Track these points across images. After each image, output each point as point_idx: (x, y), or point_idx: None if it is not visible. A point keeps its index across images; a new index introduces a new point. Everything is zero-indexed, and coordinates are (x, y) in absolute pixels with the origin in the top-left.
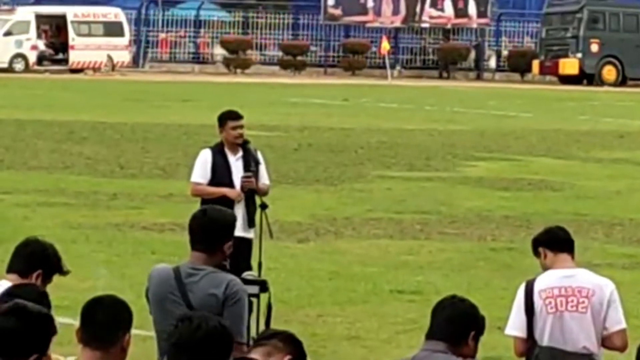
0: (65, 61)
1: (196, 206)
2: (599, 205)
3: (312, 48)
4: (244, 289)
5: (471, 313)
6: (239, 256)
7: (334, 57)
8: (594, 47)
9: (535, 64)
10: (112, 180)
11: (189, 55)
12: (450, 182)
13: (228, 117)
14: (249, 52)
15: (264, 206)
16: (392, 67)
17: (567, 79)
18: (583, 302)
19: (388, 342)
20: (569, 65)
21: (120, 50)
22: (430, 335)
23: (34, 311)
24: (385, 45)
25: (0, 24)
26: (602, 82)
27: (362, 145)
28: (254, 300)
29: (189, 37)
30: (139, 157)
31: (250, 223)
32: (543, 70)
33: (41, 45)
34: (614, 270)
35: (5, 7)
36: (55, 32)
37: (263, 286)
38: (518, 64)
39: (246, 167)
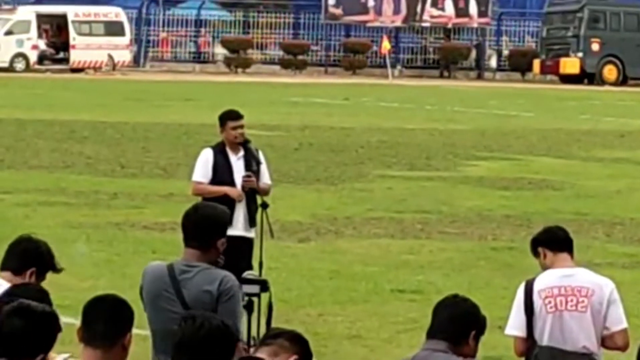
0: (66, 61)
1: None
2: (599, 204)
3: (313, 47)
4: (237, 285)
5: (472, 312)
6: (240, 256)
7: (334, 56)
8: (595, 47)
9: (536, 63)
10: (113, 180)
11: (189, 54)
12: (451, 181)
13: (228, 117)
14: (249, 51)
15: (264, 205)
16: (393, 66)
17: (568, 79)
18: (583, 301)
19: (389, 341)
20: (570, 65)
21: (121, 49)
22: (431, 334)
23: (38, 310)
24: (386, 45)
25: (1, 24)
26: (602, 82)
27: (362, 144)
28: (255, 299)
29: (190, 36)
30: (139, 156)
31: (251, 222)
32: (544, 70)
33: (42, 44)
34: (614, 270)
35: (6, 7)
36: (56, 31)
37: (264, 286)
38: (519, 64)
39: (247, 167)
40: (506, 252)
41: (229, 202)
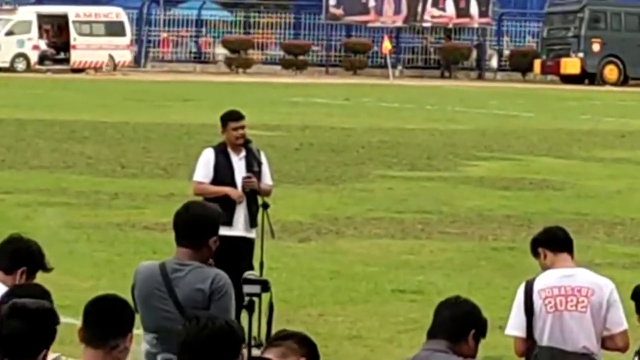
0: (66, 61)
1: None
2: (600, 204)
3: (314, 48)
4: (229, 283)
5: (473, 313)
6: (241, 256)
7: (335, 56)
8: (596, 47)
9: (537, 63)
10: (114, 180)
11: (190, 54)
12: (452, 181)
13: (229, 118)
14: (250, 51)
15: (265, 206)
16: (394, 66)
17: (568, 79)
18: (582, 301)
19: (389, 341)
20: (571, 65)
21: (122, 49)
22: (431, 334)
23: (34, 308)
24: (387, 45)
25: (2, 24)
26: (603, 82)
27: (363, 144)
28: (256, 300)
29: (191, 36)
30: (140, 156)
31: (252, 223)
32: (544, 70)
33: (43, 45)
34: (615, 270)
35: (7, 7)
36: (56, 31)
37: (265, 286)
38: (519, 64)
39: (249, 168)
40: (507, 252)
41: (230, 203)
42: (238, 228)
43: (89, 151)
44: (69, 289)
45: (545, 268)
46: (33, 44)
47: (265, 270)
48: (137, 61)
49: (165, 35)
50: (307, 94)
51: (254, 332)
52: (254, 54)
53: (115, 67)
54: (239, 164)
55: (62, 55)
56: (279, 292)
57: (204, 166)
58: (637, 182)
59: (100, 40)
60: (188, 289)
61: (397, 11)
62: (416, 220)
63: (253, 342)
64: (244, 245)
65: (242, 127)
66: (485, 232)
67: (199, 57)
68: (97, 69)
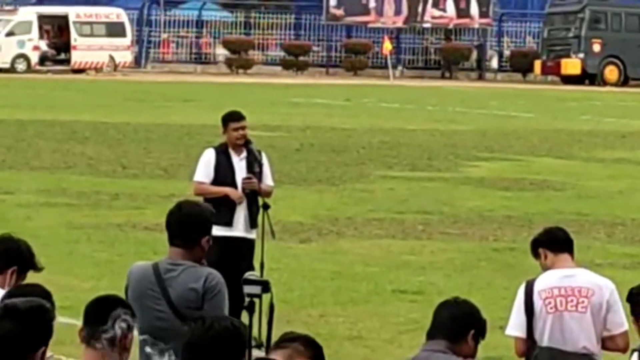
0: (67, 61)
1: None
2: (600, 205)
3: (314, 48)
4: (222, 282)
5: (472, 313)
6: (240, 256)
7: (336, 57)
8: (596, 47)
9: (537, 64)
10: (114, 181)
11: (191, 55)
12: (452, 182)
13: (230, 118)
14: (251, 52)
15: (266, 206)
16: (394, 67)
17: (569, 79)
18: (583, 302)
19: (390, 342)
20: (571, 65)
21: (122, 50)
22: (431, 334)
23: (25, 308)
24: (387, 46)
25: (3, 25)
26: (604, 82)
27: (364, 145)
28: (257, 300)
29: (191, 37)
30: (141, 157)
31: (252, 224)
32: (545, 71)
33: (43, 45)
34: (615, 270)
35: (8, 8)
36: (57, 32)
37: (265, 286)
38: (520, 64)
39: (249, 168)
40: (507, 252)
41: (230, 203)
42: (238, 229)
43: (89, 152)
44: (70, 290)
45: (545, 268)
46: (33, 45)
47: (265, 270)
48: (137, 62)
49: (165, 36)
50: (308, 94)
51: (255, 333)
52: (255, 55)
53: (115, 67)
54: (239, 164)
55: (62, 56)
56: (279, 292)
57: (205, 166)
58: (638, 182)
59: (100, 41)
60: (181, 289)
61: (397, 12)
62: (417, 220)
63: (253, 343)
64: (244, 246)
65: (243, 128)
66: (485, 232)
67: (200, 58)
68: (97, 69)
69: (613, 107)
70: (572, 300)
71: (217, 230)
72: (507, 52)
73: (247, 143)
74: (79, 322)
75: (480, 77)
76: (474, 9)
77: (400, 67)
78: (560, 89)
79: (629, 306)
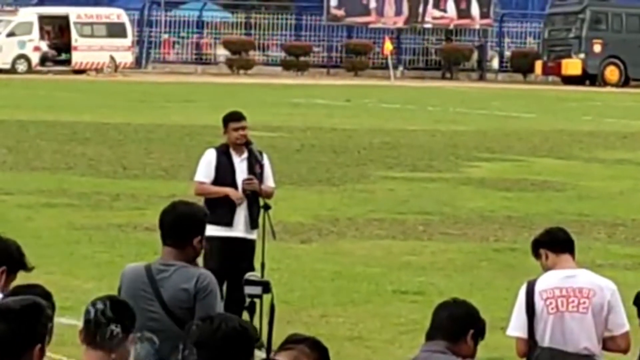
0: (68, 62)
1: None
2: (601, 205)
3: (315, 49)
4: (214, 281)
5: (472, 313)
6: (240, 257)
7: (336, 57)
8: (597, 48)
9: (538, 64)
10: (115, 181)
11: (191, 56)
12: (453, 182)
13: (230, 119)
14: (251, 52)
15: (266, 207)
16: (395, 67)
17: (569, 80)
18: (584, 302)
19: (391, 342)
20: (572, 66)
21: (123, 51)
22: (430, 335)
23: (18, 307)
24: (388, 46)
25: (3, 25)
26: (604, 83)
27: (364, 146)
28: (257, 301)
29: (192, 38)
30: (141, 158)
31: (253, 224)
32: (546, 71)
33: (44, 46)
34: (616, 271)
35: (8, 8)
36: (58, 33)
37: (266, 287)
38: (521, 65)
39: (250, 169)
40: (508, 253)
41: (231, 204)
42: (238, 229)
43: (90, 152)
44: (71, 290)
45: (546, 269)
46: (34, 45)
47: (266, 271)
48: (138, 62)
49: (166, 36)
50: (308, 95)
51: None
52: (255, 55)
53: (116, 68)
54: (240, 165)
55: (63, 57)
56: (280, 293)
57: (206, 167)
58: (639, 183)
59: (101, 42)
60: (173, 289)
61: (398, 12)
62: (417, 221)
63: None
64: (245, 247)
65: (243, 128)
66: (486, 233)
67: (200, 59)
68: (98, 70)
69: (614, 107)
70: (573, 301)
71: (218, 231)
72: (507, 53)
73: (247, 144)
74: (79, 323)
75: (481, 78)
76: (475, 10)
77: (400, 68)
78: (561, 89)
79: (635, 309)
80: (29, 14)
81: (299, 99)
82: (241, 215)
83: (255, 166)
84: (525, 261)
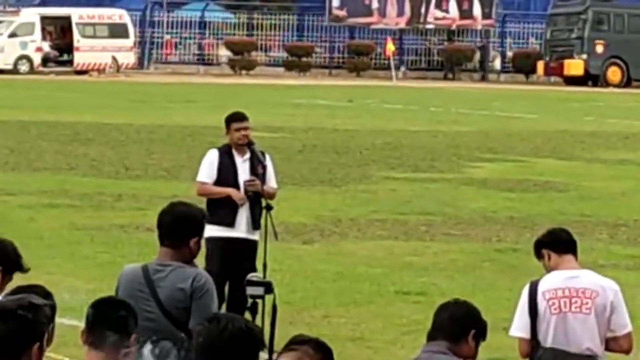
0: (70, 63)
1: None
2: (603, 206)
3: (317, 49)
4: (210, 281)
5: (473, 314)
6: (242, 257)
7: (338, 58)
8: (599, 48)
9: (540, 65)
10: (117, 182)
11: (193, 56)
12: (455, 183)
13: (232, 119)
14: (253, 53)
15: (268, 207)
16: (397, 68)
17: (572, 80)
18: (587, 303)
19: (393, 343)
20: (574, 66)
21: (125, 51)
22: (431, 336)
23: (14, 307)
24: (390, 47)
25: (5, 26)
26: (607, 83)
27: (366, 146)
28: (259, 301)
29: (194, 38)
30: (143, 158)
31: (255, 225)
32: (548, 72)
33: (46, 46)
34: (618, 271)
35: (10, 9)
36: (60, 33)
37: (268, 288)
38: (523, 65)
39: (252, 170)
40: (510, 253)
41: (233, 204)
42: (240, 229)
43: (92, 153)
44: (73, 291)
45: (549, 270)
46: (36, 46)
47: (268, 271)
48: (140, 63)
49: (168, 37)
50: (311, 95)
51: None
52: (257, 56)
53: (118, 68)
54: (242, 165)
55: (65, 57)
56: (282, 293)
57: (208, 167)
58: None
59: (103, 42)
60: (169, 289)
61: (400, 13)
62: (420, 221)
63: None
64: (247, 247)
65: (245, 128)
66: (488, 233)
67: (202, 59)
68: (100, 70)
69: (616, 108)
70: (576, 302)
71: (219, 231)
72: (509, 53)
73: (250, 144)
74: (81, 324)
75: (483, 78)
76: (477, 10)
77: (403, 68)
78: (563, 90)
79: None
80: (31, 15)
81: (301, 100)
82: (243, 215)
83: (257, 167)
84: (528, 262)
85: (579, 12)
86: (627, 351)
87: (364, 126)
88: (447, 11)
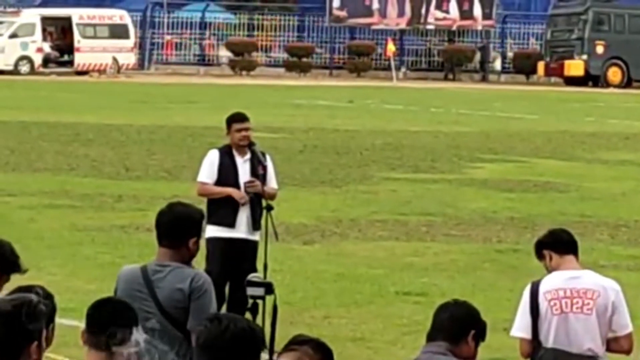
0: (70, 63)
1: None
2: (604, 206)
3: (318, 50)
4: (209, 282)
5: (473, 314)
6: (242, 258)
7: (339, 59)
8: (599, 49)
9: (541, 65)
10: (118, 182)
11: (194, 57)
12: (456, 183)
13: (233, 120)
14: (254, 54)
15: (269, 208)
16: (398, 68)
17: (572, 81)
18: (588, 303)
19: (393, 343)
20: (574, 67)
21: (126, 52)
22: (431, 336)
23: (9, 308)
24: (391, 47)
25: (6, 27)
26: (607, 84)
27: (367, 147)
28: (260, 302)
29: (194, 39)
30: (144, 159)
31: (255, 225)
32: (548, 72)
33: (46, 47)
34: (619, 272)
35: (11, 10)
36: (60, 34)
37: (269, 288)
38: (523, 66)
39: (253, 170)
40: (511, 254)
41: (233, 204)
42: (241, 230)
43: (93, 153)
44: (73, 291)
45: (550, 270)
46: (37, 47)
47: (269, 272)
48: (140, 64)
49: (169, 37)
50: (311, 96)
51: None
52: (258, 57)
53: (119, 69)
54: (243, 166)
55: (66, 58)
56: (282, 294)
57: (209, 167)
58: None
59: (104, 43)
60: (168, 290)
61: (400, 13)
62: (420, 222)
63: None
64: (247, 247)
65: (246, 129)
66: (489, 234)
67: (203, 60)
68: (101, 71)
69: (616, 108)
70: (577, 302)
71: (220, 232)
72: (510, 54)
73: (250, 145)
74: (82, 324)
75: (484, 79)
76: (477, 11)
77: (403, 69)
78: (563, 90)
79: None
80: (32, 15)
81: (301, 100)
82: (243, 216)
83: (258, 167)
84: (528, 262)
85: (579, 13)
86: (628, 351)
87: (365, 127)
88: (447, 12)
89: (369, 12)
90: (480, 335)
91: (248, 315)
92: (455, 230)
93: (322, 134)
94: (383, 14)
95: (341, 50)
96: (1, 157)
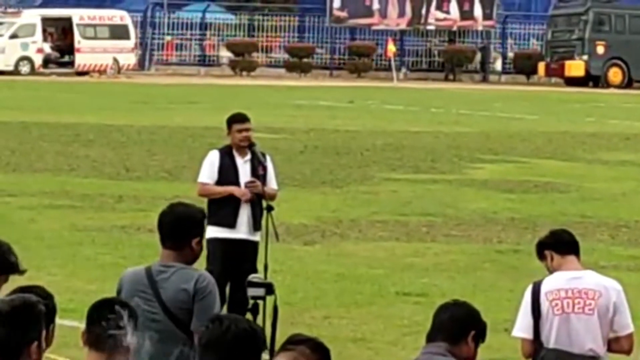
0: (71, 64)
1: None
2: (604, 207)
3: (318, 50)
4: (213, 283)
5: (473, 315)
6: (243, 258)
7: (339, 59)
8: (600, 49)
9: (541, 66)
10: (118, 183)
11: (194, 57)
12: (456, 184)
13: (234, 120)
14: (254, 54)
15: (269, 208)
16: (398, 69)
17: (572, 81)
18: (590, 304)
19: (394, 344)
20: (575, 67)
21: (126, 53)
22: (430, 337)
23: (8, 309)
24: (391, 48)
25: (6, 27)
26: (607, 84)
27: (367, 147)
28: (260, 302)
29: (195, 39)
30: (144, 159)
31: (255, 226)
32: (549, 72)
33: (47, 48)
34: (619, 272)
35: (11, 10)
36: (61, 34)
37: (269, 289)
38: (524, 66)
39: (253, 171)
40: (511, 254)
41: (234, 205)
42: (241, 230)
43: (93, 154)
44: (74, 292)
45: (551, 271)
46: (37, 47)
47: (269, 272)
48: (141, 64)
49: (169, 38)
50: (312, 96)
51: None
52: (258, 57)
53: (119, 70)
54: (243, 166)
55: (66, 58)
56: (283, 294)
57: (209, 167)
58: None
59: (104, 44)
60: (172, 290)
61: (401, 14)
62: (420, 222)
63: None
64: (248, 248)
65: (247, 130)
66: (489, 234)
67: (203, 60)
68: (101, 72)
69: (617, 109)
70: (579, 302)
71: (220, 232)
72: (510, 54)
73: (251, 145)
74: (82, 325)
75: (484, 79)
76: (478, 11)
77: (403, 69)
78: (564, 90)
79: None
80: (32, 16)
81: (302, 101)
82: (244, 216)
83: (258, 168)
84: (529, 263)
85: (579, 13)
86: (628, 352)
87: (365, 127)
88: (448, 12)
89: (369, 13)
90: (481, 336)
91: (249, 315)
92: (456, 230)
93: (323, 135)
94: (383, 14)
95: (342, 50)
96: (2, 157)
